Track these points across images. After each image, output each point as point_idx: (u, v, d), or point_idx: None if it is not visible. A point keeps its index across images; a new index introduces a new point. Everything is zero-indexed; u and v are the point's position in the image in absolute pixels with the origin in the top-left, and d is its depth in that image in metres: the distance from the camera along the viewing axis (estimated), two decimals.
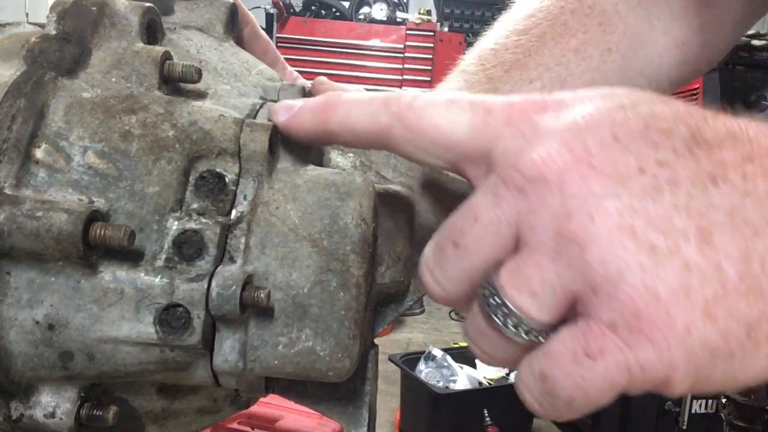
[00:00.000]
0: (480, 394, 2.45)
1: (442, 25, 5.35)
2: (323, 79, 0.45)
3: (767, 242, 0.25)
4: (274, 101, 0.39)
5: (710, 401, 2.22)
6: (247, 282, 0.31)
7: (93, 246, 0.30)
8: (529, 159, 0.27)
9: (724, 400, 2.06)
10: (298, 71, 0.54)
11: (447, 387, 2.46)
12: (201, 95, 0.37)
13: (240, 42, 0.47)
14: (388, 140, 0.32)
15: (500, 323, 0.27)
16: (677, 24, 0.66)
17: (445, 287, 0.30)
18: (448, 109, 0.30)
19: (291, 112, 0.35)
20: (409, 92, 0.33)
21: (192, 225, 0.32)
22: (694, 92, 3.56)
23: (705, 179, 0.26)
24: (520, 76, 0.63)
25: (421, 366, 2.57)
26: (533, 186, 0.27)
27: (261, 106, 0.37)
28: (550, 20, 0.65)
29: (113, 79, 0.34)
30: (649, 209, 0.25)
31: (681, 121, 0.27)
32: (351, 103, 0.33)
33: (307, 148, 0.37)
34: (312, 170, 0.35)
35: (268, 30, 4.79)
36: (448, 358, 2.59)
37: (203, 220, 0.32)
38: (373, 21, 5.24)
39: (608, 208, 0.25)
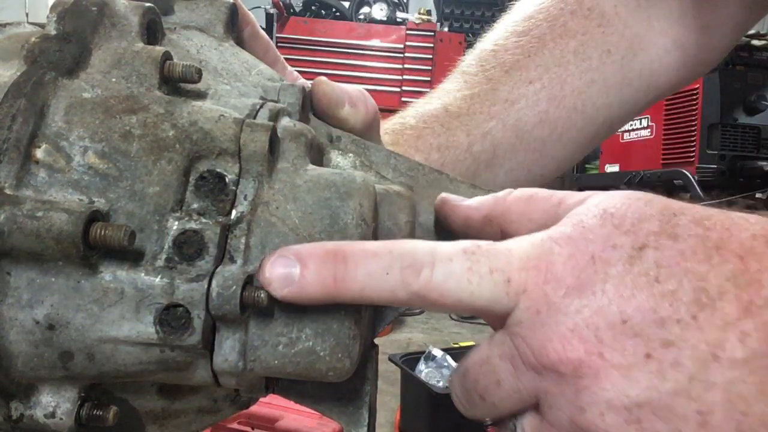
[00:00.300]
0: None
1: (442, 25, 5.34)
2: (323, 79, 0.45)
3: (756, 414, 0.27)
4: (275, 101, 0.39)
5: None
6: (248, 282, 0.31)
7: (93, 246, 0.30)
8: (544, 347, 0.30)
9: None
10: (298, 71, 0.54)
11: (447, 387, 2.45)
12: (201, 95, 0.37)
13: (240, 42, 0.47)
14: (409, 307, 0.34)
15: None
16: (676, 26, 0.66)
17: (477, 418, 0.35)
18: (468, 280, 0.31)
19: (291, 284, 0.31)
20: (423, 255, 0.31)
21: (192, 225, 0.32)
22: (694, 93, 3.55)
23: (707, 356, 0.28)
24: (520, 77, 0.63)
25: (421, 366, 2.57)
26: (549, 373, 0.30)
27: (261, 106, 0.37)
28: (549, 22, 0.65)
29: (113, 79, 0.34)
30: (653, 399, 0.28)
31: (686, 278, 0.29)
32: (364, 279, 0.31)
33: (306, 150, 0.37)
34: (312, 170, 0.35)
35: (268, 30, 4.79)
36: (448, 358, 2.58)
37: (203, 220, 0.32)
38: (373, 21, 5.23)
39: (617, 404, 0.29)
